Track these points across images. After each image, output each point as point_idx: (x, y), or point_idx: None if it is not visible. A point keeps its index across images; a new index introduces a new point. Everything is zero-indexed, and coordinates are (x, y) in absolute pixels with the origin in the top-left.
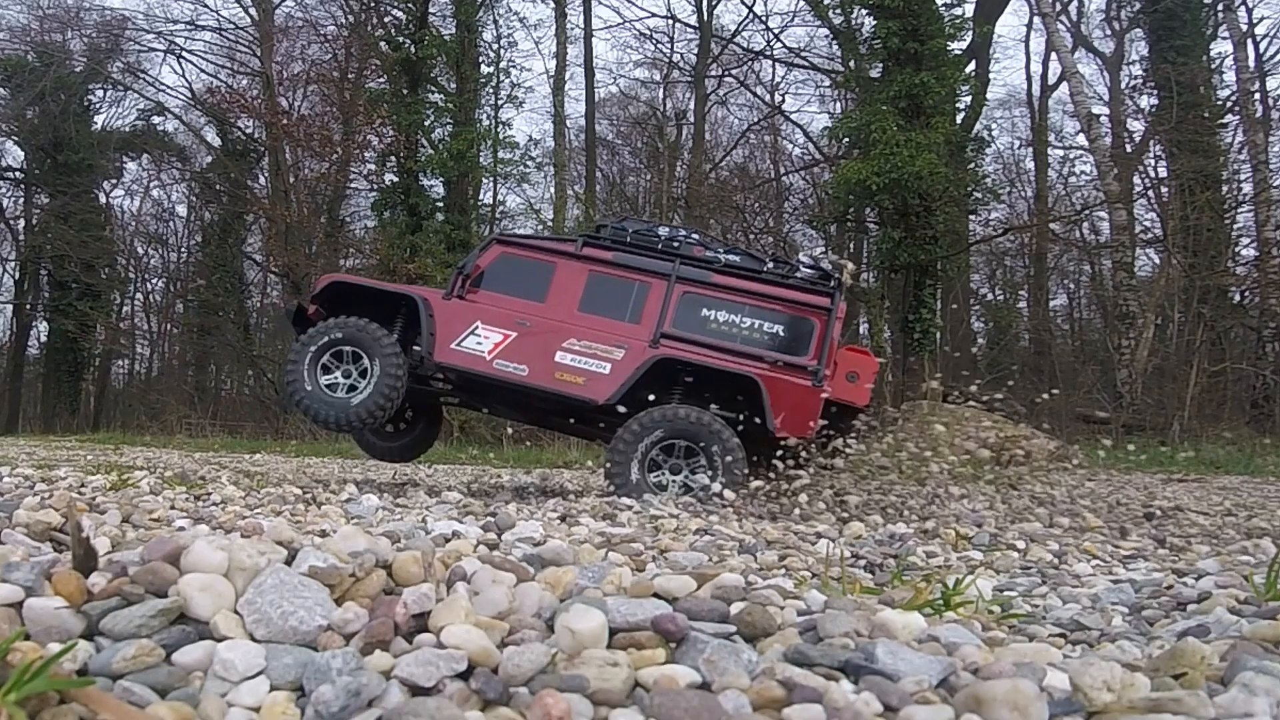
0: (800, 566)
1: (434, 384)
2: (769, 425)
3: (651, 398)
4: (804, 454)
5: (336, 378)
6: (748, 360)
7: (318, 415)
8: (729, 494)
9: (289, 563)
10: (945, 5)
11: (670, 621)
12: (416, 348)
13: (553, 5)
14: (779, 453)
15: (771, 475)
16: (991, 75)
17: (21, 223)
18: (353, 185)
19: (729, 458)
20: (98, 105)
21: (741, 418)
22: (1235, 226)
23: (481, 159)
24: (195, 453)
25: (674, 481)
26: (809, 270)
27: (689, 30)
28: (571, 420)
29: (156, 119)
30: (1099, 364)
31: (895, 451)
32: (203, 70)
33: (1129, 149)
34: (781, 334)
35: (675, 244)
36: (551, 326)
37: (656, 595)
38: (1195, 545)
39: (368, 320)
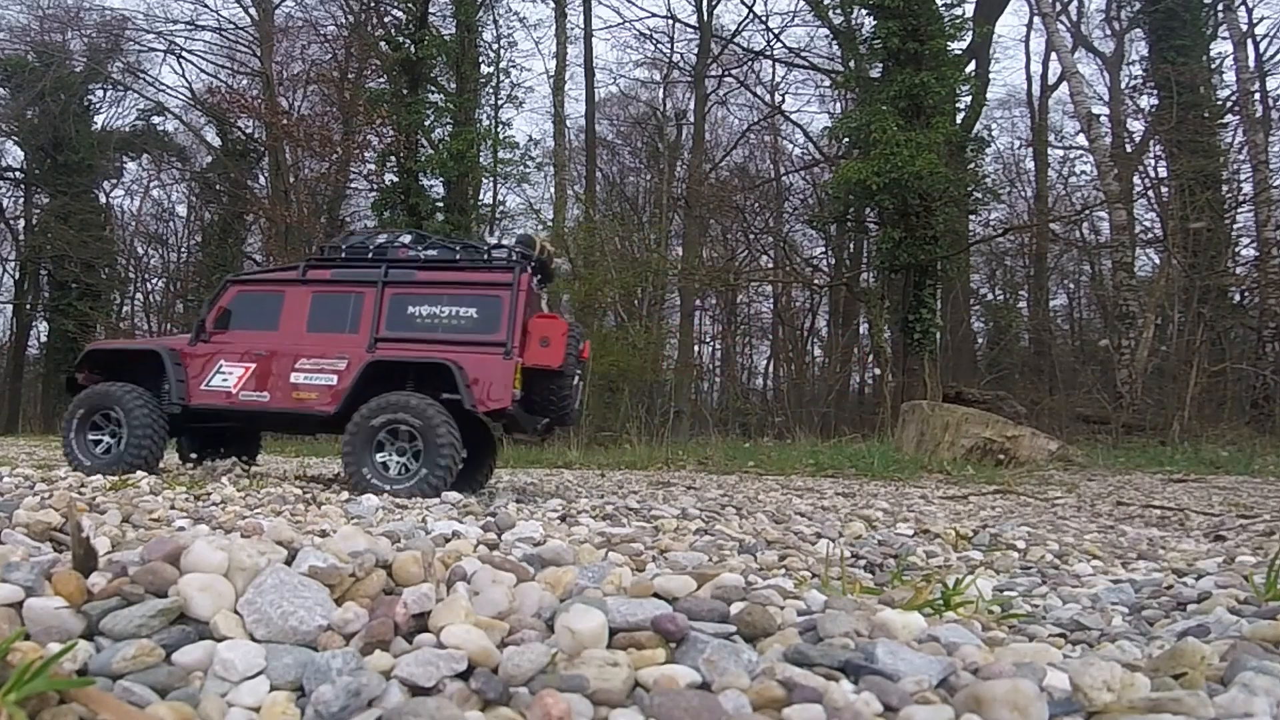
0: (800, 566)
1: (228, 419)
2: (466, 403)
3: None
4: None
5: (104, 438)
6: (447, 347)
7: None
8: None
9: (289, 563)
10: (945, 5)
11: (670, 621)
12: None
13: (553, 5)
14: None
15: None
16: (991, 75)
17: (21, 223)
18: (353, 185)
19: (435, 436)
20: (98, 105)
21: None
22: (1235, 226)
23: (481, 159)
24: None
25: (399, 463)
26: (498, 252)
27: (689, 30)
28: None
29: (156, 119)
30: (1099, 364)
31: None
32: (203, 70)
33: (1129, 149)
34: (475, 316)
35: (385, 251)
36: (285, 351)
37: (656, 595)
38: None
39: (108, 383)
